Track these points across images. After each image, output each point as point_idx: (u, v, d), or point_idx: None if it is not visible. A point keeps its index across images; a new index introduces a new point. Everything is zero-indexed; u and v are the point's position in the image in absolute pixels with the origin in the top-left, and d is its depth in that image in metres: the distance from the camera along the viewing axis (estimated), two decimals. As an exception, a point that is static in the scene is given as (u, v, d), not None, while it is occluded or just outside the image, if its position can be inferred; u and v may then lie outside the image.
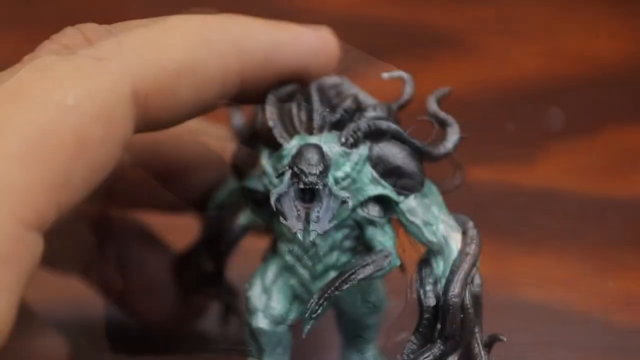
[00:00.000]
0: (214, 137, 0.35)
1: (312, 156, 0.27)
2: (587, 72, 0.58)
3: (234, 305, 0.34)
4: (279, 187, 0.27)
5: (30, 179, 0.24)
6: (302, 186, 0.27)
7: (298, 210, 0.27)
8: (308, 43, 0.30)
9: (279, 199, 0.27)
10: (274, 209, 0.27)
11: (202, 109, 0.29)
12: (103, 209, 0.35)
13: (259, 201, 0.30)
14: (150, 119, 0.27)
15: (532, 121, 0.53)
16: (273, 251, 0.30)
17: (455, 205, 0.46)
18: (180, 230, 0.37)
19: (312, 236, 0.27)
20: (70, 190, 0.25)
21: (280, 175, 0.28)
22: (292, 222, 0.27)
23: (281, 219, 0.27)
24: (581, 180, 0.48)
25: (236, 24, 0.29)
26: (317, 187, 0.27)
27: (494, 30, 0.62)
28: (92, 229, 0.35)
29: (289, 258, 0.30)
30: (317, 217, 0.27)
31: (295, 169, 0.27)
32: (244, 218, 0.31)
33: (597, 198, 0.47)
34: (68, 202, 0.25)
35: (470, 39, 0.61)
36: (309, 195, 0.27)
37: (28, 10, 0.62)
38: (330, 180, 0.28)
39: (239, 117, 0.34)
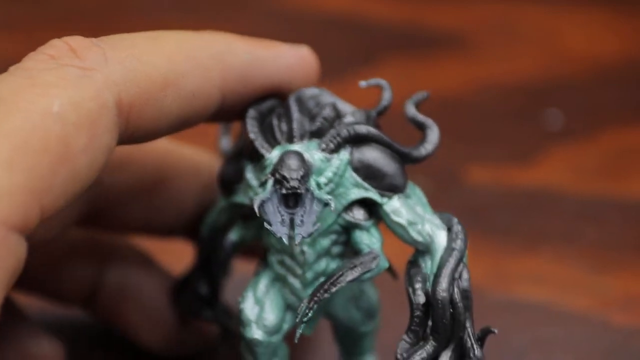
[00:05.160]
0: (205, 162, 0.35)
1: (293, 162, 0.28)
2: (587, 72, 0.58)
3: (231, 326, 0.34)
4: (262, 194, 0.28)
5: (14, 182, 0.24)
6: (284, 192, 0.27)
7: (282, 215, 0.28)
8: (288, 60, 0.31)
9: (262, 206, 0.28)
10: (258, 215, 0.28)
11: (185, 123, 0.29)
12: (100, 234, 0.35)
13: (247, 215, 0.31)
14: (134, 130, 0.28)
15: (532, 121, 0.53)
16: (263, 265, 0.31)
17: (454, 204, 0.46)
18: (174, 254, 0.37)
19: (297, 239, 0.28)
20: (54, 195, 0.25)
21: (263, 183, 0.28)
22: (277, 227, 0.28)
23: (265, 224, 0.28)
24: (580, 180, 0.48)
25: (219, 40, 0.30)
26: (299, 191, 0.27)
27: (494, 30, 0.62)
28: (91, 255, 0.35)
29: (279, 268, 0.30)
30: (301, 221, 0.28)
31: (277, 175, 0.28)
32: (234, 234, 0.32)
33: (596, 198, 0.47)
34: (51, 207, 0.25)
35: (470, 38, 0.61)
36: (292, 200, 0.28)
37: (28, 10, 0.62)
38: (312, 184, 0.28)
39: (227, 142, 0.35)
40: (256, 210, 0.27)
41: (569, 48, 0.61)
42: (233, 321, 0.33)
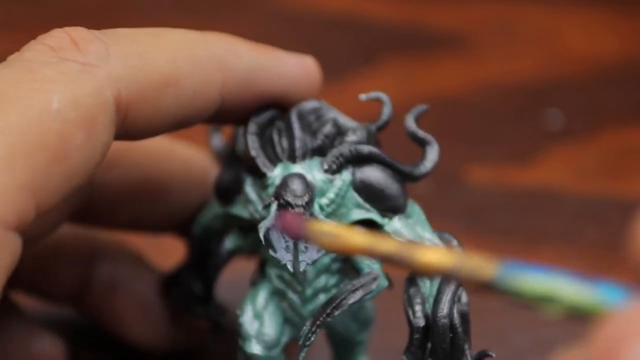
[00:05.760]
0: (196, 159, 0.35)
1: (297, 187, 0.28)
2: (587, 72, 0.58)
3: (223, 324, 0.34)
4: (267, 220, 0.28)
5: (10, 179, 0.24)
6: None
7: (286, 241, 0.28)
8: (290, 69, 0.31)
9: (267, 233, 0.28)
10: (263, 242, 0.28)
11: (182, 123, 0.29)
12: (90, 231, 0.35)
13: (245, 228, 0.31)
14: (131, 127, 0.28)
15: (532, 121, 0.53)
16: (262, 275, 0.31)
17: (455, 205, 0.46)
18: (164, 251, 0.37)
19: (302, 267, 0.28)
20: (50, 192, 0.25)
21: (266, 206, 0.28)
22: (282, 253, 0.28)
23: (270, 251, 0.28)
24: (580, 180, 0.48)
25: (221, 42, 0.30)
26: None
27: (494, 30, 0.62)
28: (80, 251, 0.35)
29: (278, 283, 0.30)
30: (306, 247, 0.28)
31: (282, 200, 0.28)
32: (229, 242, 0.32)
33: (596, 198, 0.47)
34: (47, 204, 0.25)
35: (470, 38, 0.61)
36: None
37: (28, 11, 0.62)
38: (315, 208, 0.28)
39: (218, 140, 0.35)
40: (261, 238, 0.27)
41: (569, 48, 0.60)
42: (225, 317, 0.33)
